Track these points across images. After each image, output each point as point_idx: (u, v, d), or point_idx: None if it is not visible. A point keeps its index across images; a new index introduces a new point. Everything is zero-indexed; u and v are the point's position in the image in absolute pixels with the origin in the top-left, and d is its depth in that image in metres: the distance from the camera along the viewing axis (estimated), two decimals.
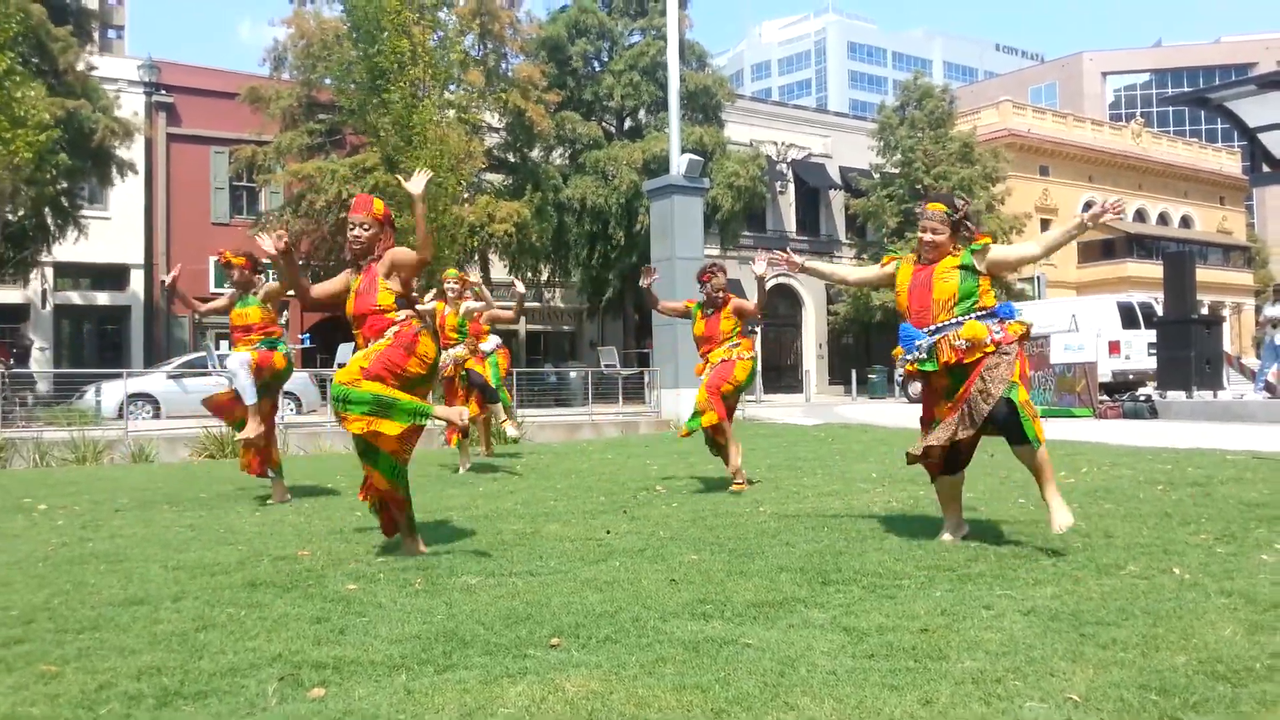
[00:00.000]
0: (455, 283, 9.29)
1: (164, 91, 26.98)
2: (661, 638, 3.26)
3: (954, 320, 4.61)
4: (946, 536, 4.84)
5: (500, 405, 9.60)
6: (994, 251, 4.72)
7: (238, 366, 7.33)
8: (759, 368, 7.55)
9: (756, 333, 29.28)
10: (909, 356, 4.70)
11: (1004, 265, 4.87)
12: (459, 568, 4.47)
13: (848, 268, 5.54)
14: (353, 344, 8.03)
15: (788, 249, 6.04)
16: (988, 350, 4.55)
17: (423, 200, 4.76)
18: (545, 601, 3.78)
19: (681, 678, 2.85)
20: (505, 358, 10.49)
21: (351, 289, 4.95)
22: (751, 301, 7.52)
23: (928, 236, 4.71)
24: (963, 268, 4.66)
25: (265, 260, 5.94)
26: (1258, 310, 15.67)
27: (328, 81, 23.64)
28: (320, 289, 5.21)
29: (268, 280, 7.67)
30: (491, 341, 10.13)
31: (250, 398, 7.29)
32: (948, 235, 4.70)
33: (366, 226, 4.89)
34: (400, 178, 4.87)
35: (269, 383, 7.50)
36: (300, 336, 26.38)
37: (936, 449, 4.66)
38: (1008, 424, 4.50)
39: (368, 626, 3.46)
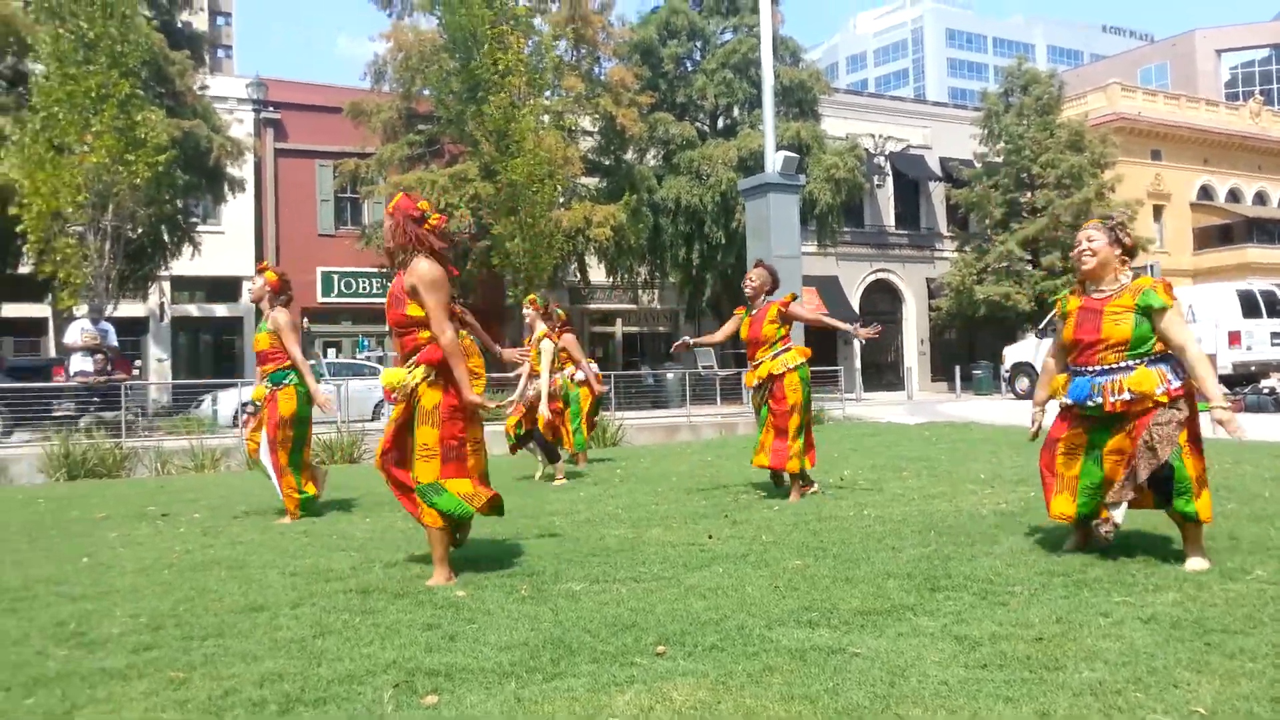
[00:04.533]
0: (530, 308, 9.13)
1: (271, 108, 27.92)
2: (768, 646, 3.25)
3: (1124, 364, 4.28)
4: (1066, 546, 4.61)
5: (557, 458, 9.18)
6: (1169, 320, 4.27)
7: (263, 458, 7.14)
8: (808, 374, 7.15)
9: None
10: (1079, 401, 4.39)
11: (1164, 334, 4.28)
12: (564, 574, 4.52)
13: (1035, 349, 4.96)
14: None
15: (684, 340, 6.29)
16: (1158, 399, 4.19)
17: (461, 389, 4.49)
18: (650, 608, 3.80)
19: (789, 687, 2.83)
20: (591, 392, 10.17)
21: (389, 294, 4.72)
22: (811, 312, 7.19)
23: (1084, 245, 4.45)
24: (1139, 309, 4.29)
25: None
26: None
27: (426, 93, 24.15)
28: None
29: (285, 306, 7.26)
30: (586, 370, 10.00)
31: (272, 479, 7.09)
32: (1106, 243, 4.41)
33: (387, 223, 4.70)
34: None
35: (303, 421, 7.13)
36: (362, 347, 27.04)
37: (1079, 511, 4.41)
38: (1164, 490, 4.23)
39: (477, 633, 3.53)
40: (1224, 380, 16.56)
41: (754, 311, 7.13)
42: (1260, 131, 43.05)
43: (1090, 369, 4.34)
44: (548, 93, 23.76)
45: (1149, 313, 4.26)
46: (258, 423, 7.28)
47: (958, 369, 30.56)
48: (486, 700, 2.83)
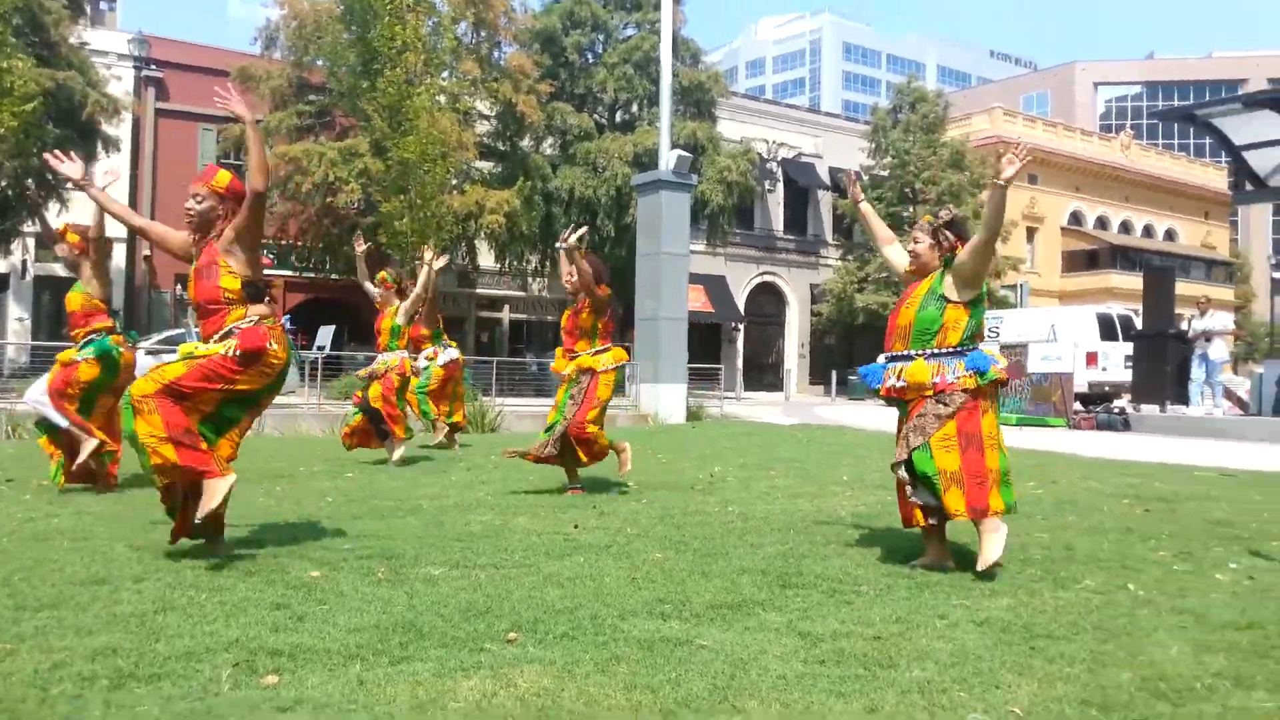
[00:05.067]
0: (380, 285, 9.01)
1: (153, 66, 26.81)
2: (618, 636, 3.29)
3: (907, 353, 4.46)
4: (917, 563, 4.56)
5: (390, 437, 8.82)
6: (957, 261, 4.44)
7: (36, 398, 6.75)
8: (623, 379, 7.01)
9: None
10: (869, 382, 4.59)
11: (964, 267, 4.41)
12: (424, 558, 4.49)
13: (888, 232, 5.12)
14: (333, 326, 7.92)
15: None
16: (925, 394, 4.36)
17: (254, 125, 4.42)
18: (506, 595, 3.81)
19: (634, 677, 2.88)
20: (446, 373, 10.07)
21: (191, 269, 4.46)
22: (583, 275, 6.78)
23: (909, 246, 4.64)
24: (929, 293, 4.45)
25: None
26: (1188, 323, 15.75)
27: (319, 63, 23.54)
28: (153, 226, 4.80)
29: (107, 260, 6.92)
30: (446, 355, 9.99)
31: (63, 422, 6.61)
32: (927, 245, 4.56)
33: (200, 199, 4.43)
34: (234, 110, 4.39)
35: (98, 388, 6.69)
36: (282, 319, 26.30)
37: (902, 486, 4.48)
38: (924, 484, 4.35)
39: (327, 615, 3.48)
40: (1079, 398, 17.45)
41: (572, 302, 7.00)
42: (1129, 164, 45.46)
43: (889, 355, 4.56)
44: (445, 73, 23.43)
45: (939, 294, 4.39)
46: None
47: (835, 373, 31.40)
48: (328, 682, 2.80)
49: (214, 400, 4.38)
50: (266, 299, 4.52)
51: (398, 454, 8.63)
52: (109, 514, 5.68)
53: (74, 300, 6.79)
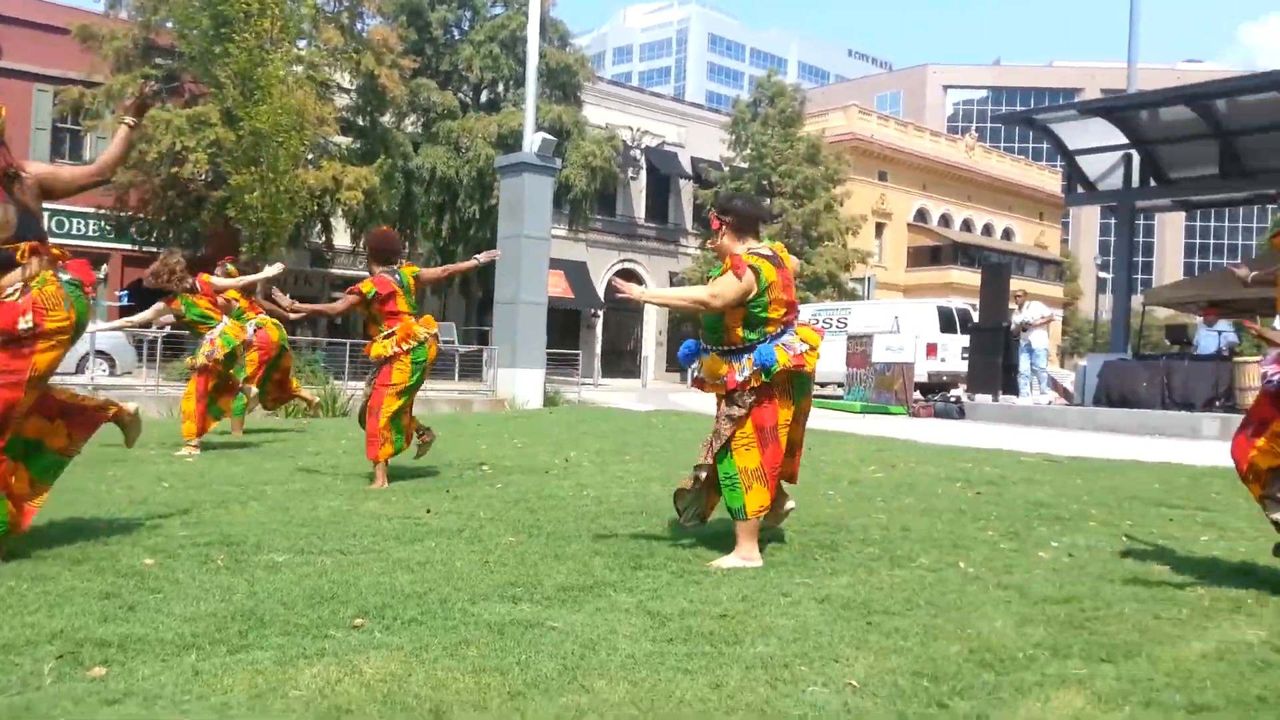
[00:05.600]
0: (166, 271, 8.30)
1: None
2: (468, 620, 3.28)
3: (706, 348, 4.48)
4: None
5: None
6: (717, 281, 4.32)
7: None
8: (428, 353, 6.56)
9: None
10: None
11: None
12: (266, 544, 4.36)
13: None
14: None
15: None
16: (721, 391, 4.36)
17: (134, 126, 4.22)
18: (353, 581, 3.73)
19: (483, 660, 2.88)
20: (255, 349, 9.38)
21: None
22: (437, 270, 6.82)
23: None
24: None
25: None
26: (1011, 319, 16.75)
27: (169, 25, 22.32)
28: None
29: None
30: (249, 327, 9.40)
31: None
32: (716, 228, 4.46)
33: None
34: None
35: None
36: (118, 294, 24.95)
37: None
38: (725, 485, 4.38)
39: (160, 604, 3.34)
40: (920, 387, 18.24)
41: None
42: (973, 165, 47.67)
43: (703, 345, 4.56)
44: (302, 42, 22.60)
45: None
46: None
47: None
48: (161, 673, 2.69)
49: (31, 399, 3.98)
50: (21, 265, 3.94)
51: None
52: None
53: None
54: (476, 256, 7.20)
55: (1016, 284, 18.91)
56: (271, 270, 8.70)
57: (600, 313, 34.97)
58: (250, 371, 9.21)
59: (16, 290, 3.88)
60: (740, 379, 4.29)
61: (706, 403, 17.56)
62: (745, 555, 4.26)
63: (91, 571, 3.75)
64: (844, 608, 3.58)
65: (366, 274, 6.70)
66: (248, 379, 9.07)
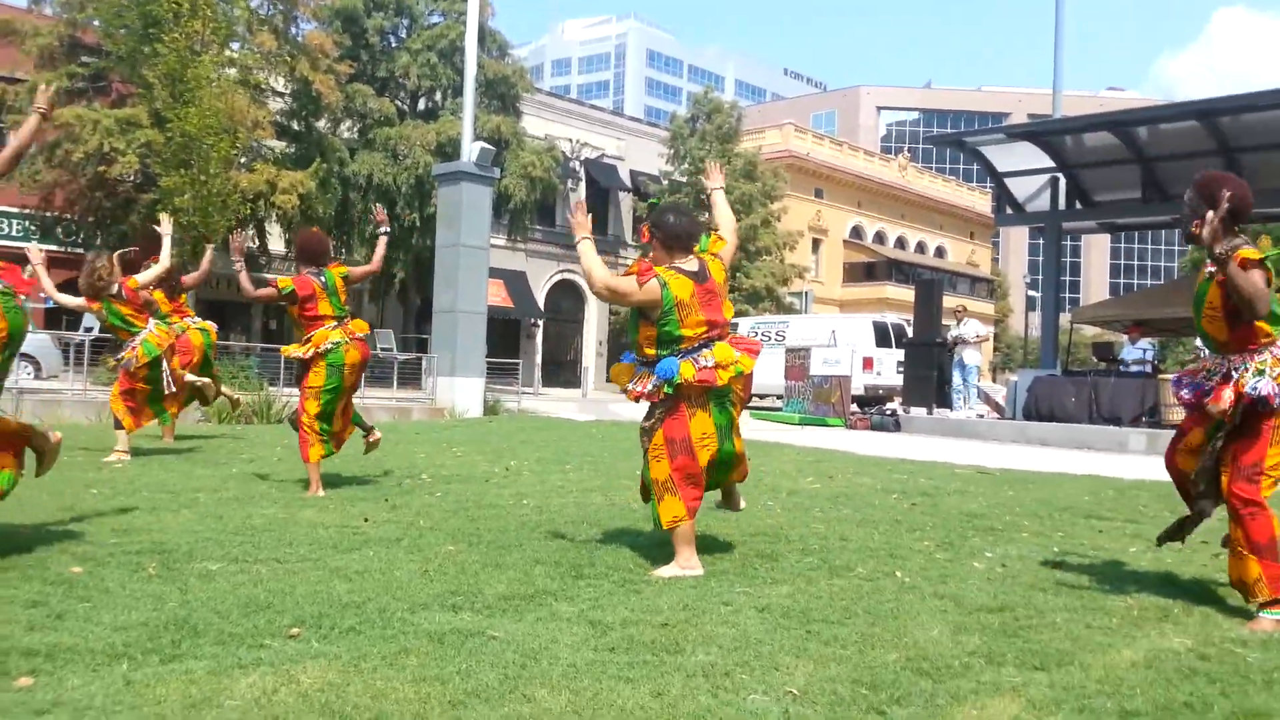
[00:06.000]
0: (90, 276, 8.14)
1: None
2: (408, 629, 3.24)
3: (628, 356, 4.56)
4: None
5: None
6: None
7: None
8: (354, 355, 6.49)
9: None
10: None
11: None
12: (199, 552, 4.26)
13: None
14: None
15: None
16: (632, 398, 4.45)
17: (42, 120, 4.13)
18: (290, 590, 3.67)
19: (423, 669, 2.84)
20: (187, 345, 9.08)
21: None
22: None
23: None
24: (632, 311, 4.45)
25: None
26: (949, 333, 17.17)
27: (96, 23, 21.77)
28: None
29: None
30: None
31: None
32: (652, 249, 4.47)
33: None
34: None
35: None
36: (42, 295, 24.18)
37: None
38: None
39: (90, 613, 3.24)
40: (856, 400, 18.49)
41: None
42: (906, 184, 48.58)
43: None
44: (235, 44, 22.20)
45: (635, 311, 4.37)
46: None
47: None
48: (91, 683, 2.61)
49: None
50: None
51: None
52: None
53: None
54: (381, 230, 7.18)
55: (956, 300, 19.26)
56: (165, 226, 8.44)
57: (540, 323, 34.86)
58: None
59: None
60: (643, 390, 4.35)
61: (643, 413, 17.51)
62: (684, 563, 4.28)
63: (18, 579, 3.63)
64: (784, 616, 3.61)
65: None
66: (175, 377, 8.79)
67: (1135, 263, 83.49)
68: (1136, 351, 15.91)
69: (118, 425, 8.14)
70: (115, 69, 22.09)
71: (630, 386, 4.42)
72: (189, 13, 19.26)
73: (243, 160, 22.16)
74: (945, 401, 16.95)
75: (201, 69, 19.24)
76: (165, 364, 8.40)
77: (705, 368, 4.25)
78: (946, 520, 6.04)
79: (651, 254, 4.48)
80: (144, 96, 20.54)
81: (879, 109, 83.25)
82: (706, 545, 4.86)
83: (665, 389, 4.28)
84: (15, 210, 24.17)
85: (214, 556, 4.20)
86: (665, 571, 4.24)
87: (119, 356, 8.26)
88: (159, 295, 8.68)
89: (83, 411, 11.81)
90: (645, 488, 4.60)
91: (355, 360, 6.52)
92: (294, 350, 6.47)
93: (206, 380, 9.10)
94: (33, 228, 24.13)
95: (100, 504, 5.48)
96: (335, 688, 2.66)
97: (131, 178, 21.77)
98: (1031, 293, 47.37)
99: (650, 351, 4.34)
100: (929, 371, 17.00)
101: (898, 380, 19.79)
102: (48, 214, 23.65)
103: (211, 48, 20.05)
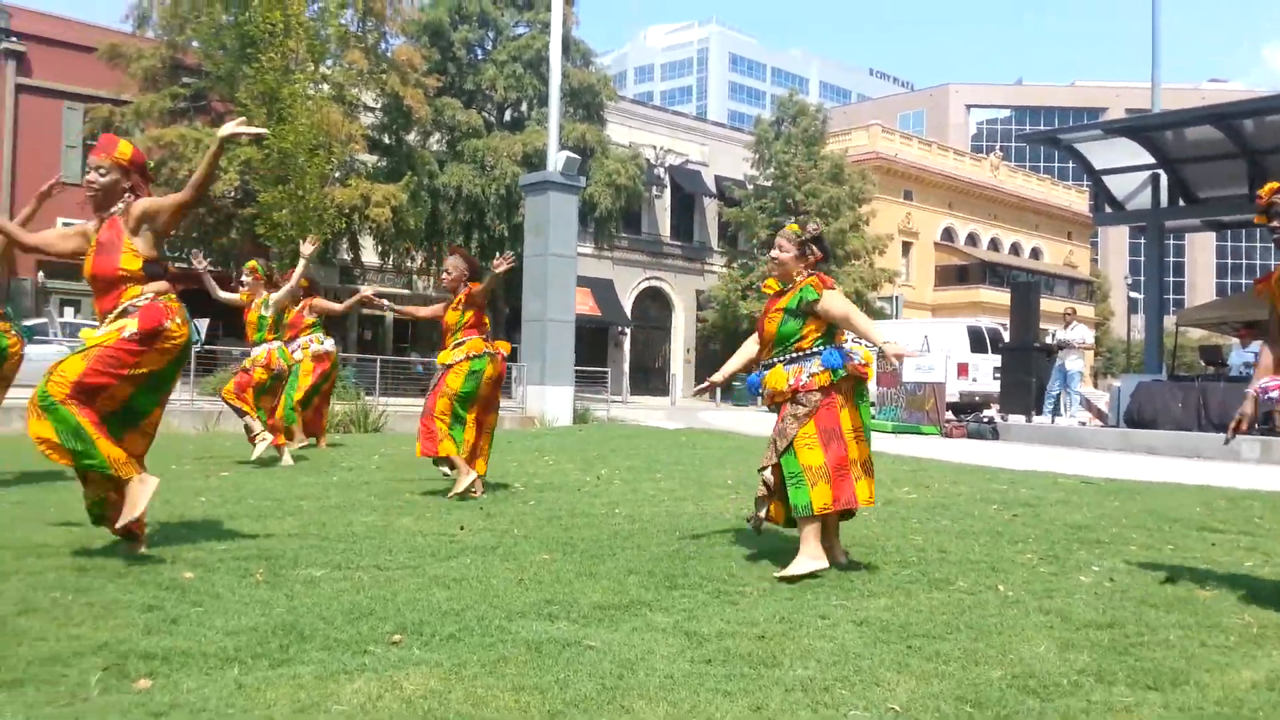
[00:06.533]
0: (250, 275, 8.81)
1: (14, 39, 25.34)
2: (505, 637, 3.27)
3: (770, 362, 4.65)
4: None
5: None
6: (827, 309, 4.53)
7: None
8: (490, 369, 6.84)
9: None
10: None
11: (830, 318, 4.57)
12: (304, 559, 4.37)
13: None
14: (206, 319, 7.57)
15: None
16: (786, 396, 4.54)
17: (220, 146, 4.28)
18: (390, 597, 3.74)
19: (521, 678, 2.87)
20: (320, 367, 9.74)
21: (90, 243, 4.33)
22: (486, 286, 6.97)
23: (774, 252, 4.77)
24: (788, 310, 4.60)
25: None
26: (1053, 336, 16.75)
27: (195, 45, 22.65)
28: (42, 238, 4.57)
29: None
30: (326, 344, 9.71)
31: None
32: (793, 255, 4.66)
33: (104, 171, 4.28)
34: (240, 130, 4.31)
35: None
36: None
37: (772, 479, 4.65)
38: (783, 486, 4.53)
39: (202, 617, 3.35)
40: (951, 407, 18.11)
41: (450, 301, 7.02)
42: (998, 184, 47.48)
43: (762, 363, 4.75)
44: (329, 62, 22.85)
45: (806, 306, 4.54)
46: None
47: None
48: (205, 686, 2.70)
49: (124, 391, 4.24)
50: (165, 277, 4.39)
51: (256, 451, 8.40)
52: None
53: None
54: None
55: (1055, 303, 18.71)
56: (307, 248, 8.73)
57: (628, 330, 35.00)
58: (301, 384, 9.40)
59: (153, 296, 4.27)
60: (804, 381, 4.47)
61: (737, 421, 17.50)
62: (812, 555, 4.35)
63: (134, 584, 3.77)
64: (883, 630, 3.55)
65: (392, 289, 6.86)
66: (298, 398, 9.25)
67: (1243, 261, 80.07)
68: (1247, 355, 15.25)
69: (240, 413, 8.45)
70: (215, 89, 22.96)
71: (791, 382, 4.50)
72: (284, 32, 19.90)
73: (337, 175, 22.77)
74: (1044, 408, 16.50)
75: (296, 88, 19.85)
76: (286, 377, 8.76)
77: (859, 362, 4.56)
78: (1050, 532, 5.87)
79: (791, 258, 4.66)
80: (242, 115, 21.28)
81: (968, 107, 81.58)
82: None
83: (831, 377, 4.46)
84: None
85: (318, 563, 4.31)
86: (797, 568, 4.29)
87: (252, 356, 8.62)
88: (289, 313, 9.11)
89: (190, 422, 12.25)
90: (768, 493, 4.61)
91: (493, 375, 6.85)
92: (452, 355, 6.76)
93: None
94: None
95: (209, 511, 5.66)
96: (437, 695, 2.70)
97: (232, 194, 22.55)
98: (1133, 294, 45.85)
99: (813, 341, 4.54)
100: (1028, 377, 16.56)
101: (994, 386, 19.32)
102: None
103: (306, 66, 20.69)
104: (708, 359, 37.00)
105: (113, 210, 4.31)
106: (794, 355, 4.56)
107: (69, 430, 4.04)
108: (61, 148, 26.44)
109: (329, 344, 9.95)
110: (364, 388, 15.99)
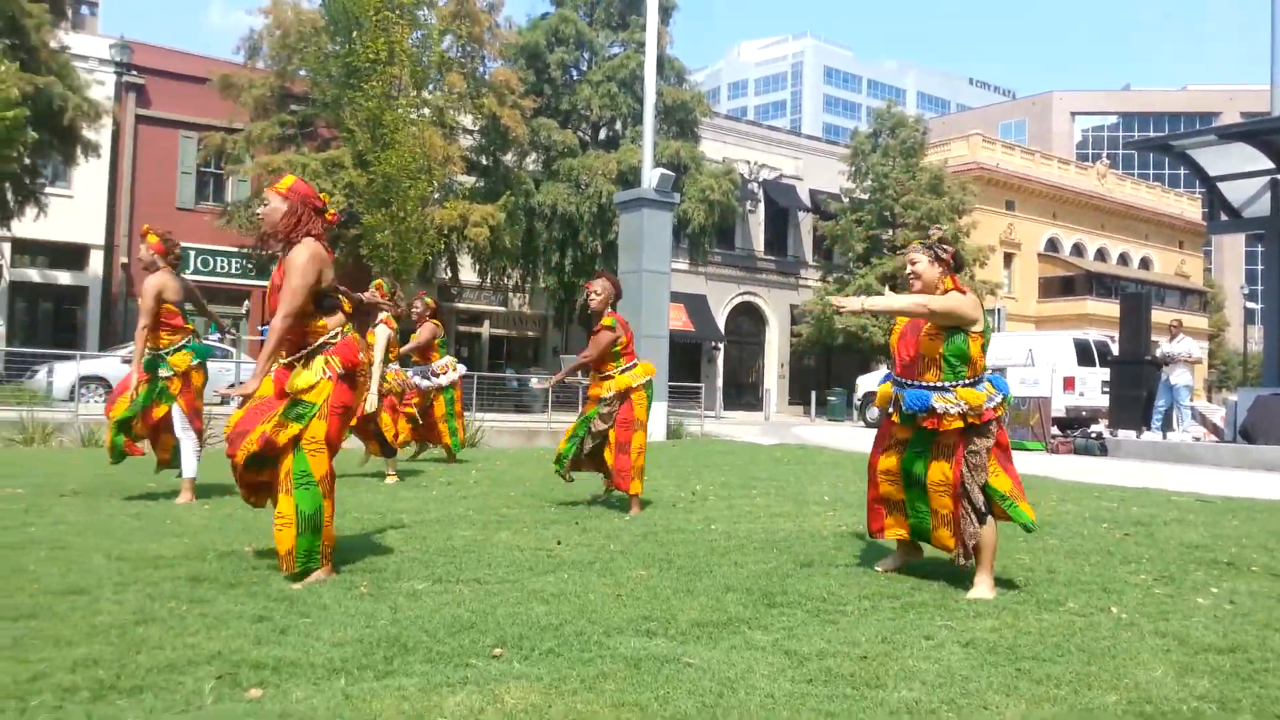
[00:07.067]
0: (380, 294, 9.12)
1: (135, 72, 26.60)
2: (604, 653, 3.27)
3: (943, 385, 4.40)
4: (880, 566, 4.86)
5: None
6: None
7: (183, 433, 6.98)
8: (652, 390, 7.07)
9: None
10: (905, 409, 4.50)
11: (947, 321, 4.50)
12: (406, 572, 4.46)
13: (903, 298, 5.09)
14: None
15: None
16: (971, 421, 4.36)
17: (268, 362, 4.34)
18: (491, 611, 3.78)
19: (621, 694, 2.86)
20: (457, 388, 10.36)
21: (270, 282, 4.47)
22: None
23: (909, 270, 4.57)
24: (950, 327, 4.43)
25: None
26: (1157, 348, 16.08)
27: (303, 73, 23.46)
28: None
29: (179, 272, 7.08)
30: (455, 372, 10.10)
31: (190, 471, 6.97)
32: (926, 263, 4.52)
33: (268, 203, 4.39)
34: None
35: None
36: (260, 328, 26.09)
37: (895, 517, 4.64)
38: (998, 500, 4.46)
39: (310, 628, 3.44)
40: (1057, 422, 17.57)
41: (596, 330, 7.03)
42: (1105, 192, 45.97)
43: (913, 384, 4.51)
44: (429, 86, 23.42)
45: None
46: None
47: (814, 394, 31.50)
48: (313, 696, 2.77)
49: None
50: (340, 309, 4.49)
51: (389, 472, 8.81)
52: (84, 524, 5.60)
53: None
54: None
55: (1171, 315, 18.04)
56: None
57: (721, 345, 34.89)
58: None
59: (336, 332, 4.37)
60: (990, 406, 4.39)
61: (832, 436, 17.23)
62: (991, 574, 4.45)
63: (244, 595, 3.90)
64: (990, 652, 3.45)
65: (488, 306, 7.08)
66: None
67: None
68: None
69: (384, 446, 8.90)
70: (321, 115, 23.72)
71: (984, 406, 4.36)
72: (387, 60, 20.47)
73: (436, 196, 23.29)
74: (1152, 423, 15.87)
75: (399, 113, 20.40)
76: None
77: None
78: (1164, 552, 5.64)
79: (926, 264, 4.54)
80: (347, 140, 21.95)
81: (1073, 115, 79.25)
82: (903, 576, 4.72)
83: (1005, 403, 4.47)
84: (234, 249, 26.19)
85: (419, 576, 4.39)
86: (982, 593, 4.32)
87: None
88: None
89: None
90: (939, 528, 4.54)
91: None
92: (628, 381, 6.86)
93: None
94: (249, 265, 26.08)
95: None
96: (538, 710, 2.72)
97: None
98: (1250, 305, 43.88)
99: (982, 365, 4.46)
100: (1138, 391, 15.96)
101: (1102, 401, 18.68)
102: (263, 253, 25.55)
103: (408, 92, 21.24)
104: (801, 374, 36.63)
105: (286, 247, 4.36)
106: (972, 380, 4.41)
107: (311, 513, 4.18)
108: (177, 174, 27.65)
109: (462, 368, 10.48)
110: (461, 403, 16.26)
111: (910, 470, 4.56)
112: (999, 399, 4.42)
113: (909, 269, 4.59)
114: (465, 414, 15.16)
